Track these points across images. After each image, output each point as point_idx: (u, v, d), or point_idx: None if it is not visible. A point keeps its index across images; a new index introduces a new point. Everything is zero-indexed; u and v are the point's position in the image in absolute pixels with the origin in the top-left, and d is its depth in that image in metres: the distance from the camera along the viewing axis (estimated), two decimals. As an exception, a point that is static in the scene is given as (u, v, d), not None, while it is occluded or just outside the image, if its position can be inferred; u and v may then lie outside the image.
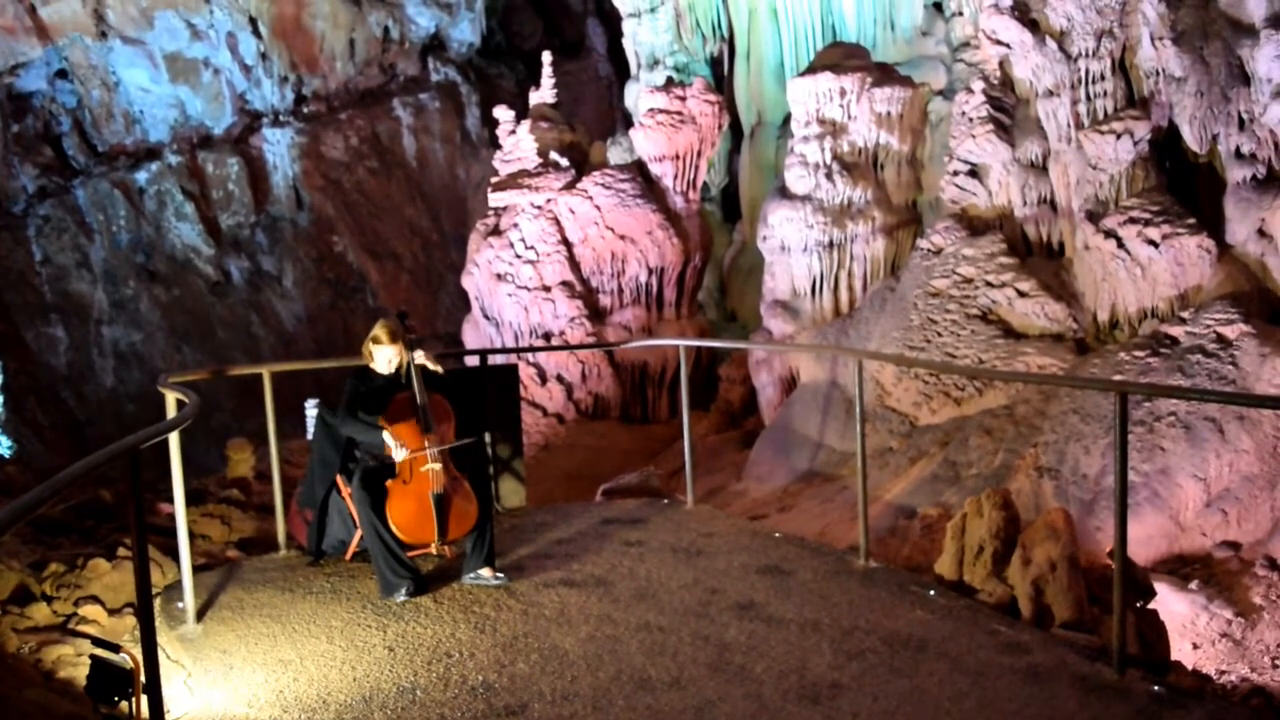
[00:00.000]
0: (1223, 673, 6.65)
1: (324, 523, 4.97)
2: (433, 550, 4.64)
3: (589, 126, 19.06)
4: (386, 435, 4.55)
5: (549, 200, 15.26)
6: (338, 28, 23.56)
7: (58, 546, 5.41)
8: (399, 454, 4.54)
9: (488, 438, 5.82)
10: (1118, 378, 8.49)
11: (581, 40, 26.83)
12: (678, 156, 15.49)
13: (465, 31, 25.36)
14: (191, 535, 4.63)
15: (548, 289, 15.02)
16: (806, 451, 11.16)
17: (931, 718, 3.30)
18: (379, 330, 4.76)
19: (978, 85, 10.91)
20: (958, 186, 10.98)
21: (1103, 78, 9.72)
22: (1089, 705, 3.33)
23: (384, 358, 4.74)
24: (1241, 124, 8.71)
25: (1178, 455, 7.96)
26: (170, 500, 4.60)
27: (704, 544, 5.25)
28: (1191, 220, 9.21)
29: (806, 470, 10.95)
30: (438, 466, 4.54)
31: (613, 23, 22.68)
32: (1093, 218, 9.73)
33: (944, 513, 8.48)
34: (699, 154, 15.67)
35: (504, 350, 14.27)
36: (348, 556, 4.95)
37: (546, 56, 16.92)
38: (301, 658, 3.89)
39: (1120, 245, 9.42)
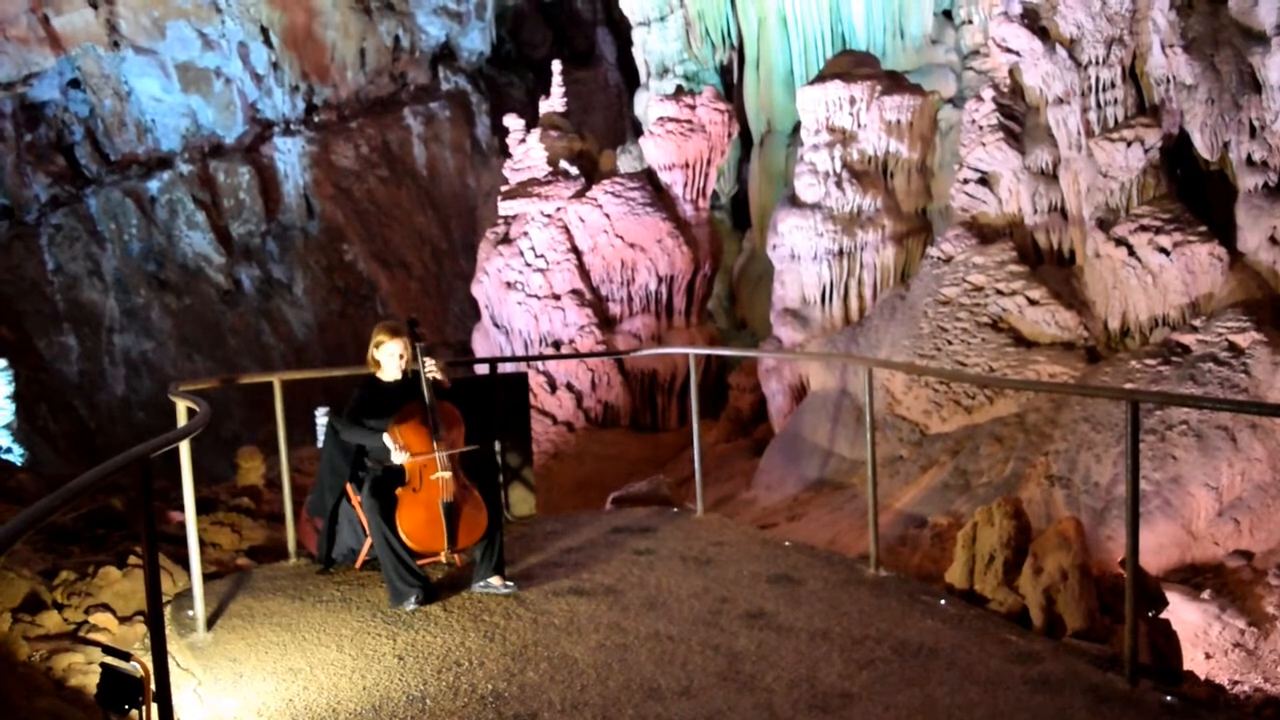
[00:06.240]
0: (1236, 683, 6.61)
1: (334, 531, 4.97)
2: (442, 559, 4.64)
3: (598, 135, 19.10)
4: (386, 438, 4.54)
5: (559, 208, 15.29)
6: (348, 37, 23.67)
7: (69, 554, 5.42)
8: (399, 457, 4.52)
9: (497, 446, 5.82)
10: (1129, 386, 8.47)
11: (591, 49, 26.91)
12: (687, 165, 15.51)
13: (475, 40, 25.48)
14: (202, 543, 4.64)
15: (557, 297, 15.04)
16: (816, 460, 11.13)
17: (942, 728, 3.28)
18: (380, 332, 4.76)
19: (988, 93, 10.90)
20: (968, 194, 10.97)
21: (1113, 85, 9.71)
22: (1101, 715, 3.31)
23: (391, 354, 4.72)
24: (1253, 131, 8.69)
25: (1190, 464, 7.93)
26: (181, 508, 4.61)
27: (714, 553, 5.24)
28: (1202, 228, 9.18)
29: (816, 479, 10.93)
30: (448, 474, 4.53)
31: (622, 31, 22.75)
32: (1103, 225, 9.70)
33: (954, 521, 8.46)
34: (709, 162, 15.68)
35: (514, 358, 14.29)
36: (357, 565, 4.95)
37: (556, 65, 16.97)
38: (311, 666, 3.89)
39: (1131, 253, 9.40)
